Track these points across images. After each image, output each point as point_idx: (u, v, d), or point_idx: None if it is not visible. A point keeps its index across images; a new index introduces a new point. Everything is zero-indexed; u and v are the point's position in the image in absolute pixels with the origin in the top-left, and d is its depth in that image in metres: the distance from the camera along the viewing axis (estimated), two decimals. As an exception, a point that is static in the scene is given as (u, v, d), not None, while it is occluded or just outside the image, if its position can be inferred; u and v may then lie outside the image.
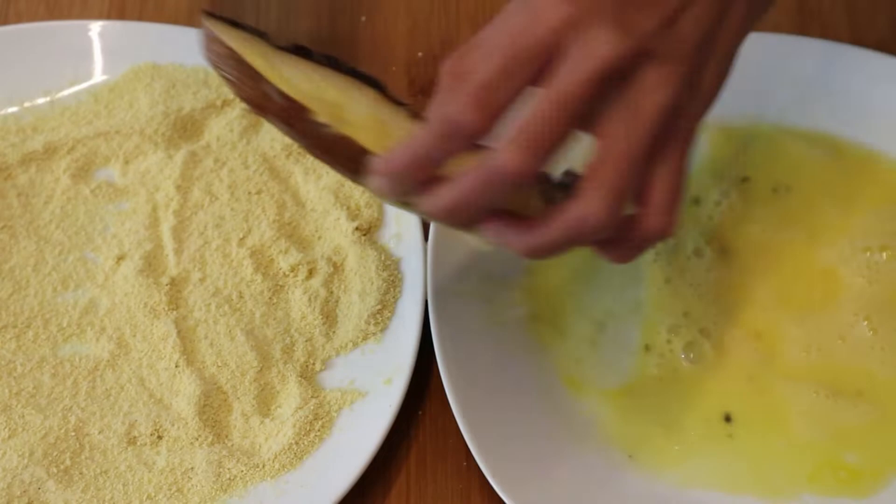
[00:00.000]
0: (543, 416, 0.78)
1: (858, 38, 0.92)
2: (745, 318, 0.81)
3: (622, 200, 0.62)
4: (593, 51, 0.60)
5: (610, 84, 0.61)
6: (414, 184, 0.63)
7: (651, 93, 0.62)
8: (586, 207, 0.62)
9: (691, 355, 0.80)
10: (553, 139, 0.60)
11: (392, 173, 0.63)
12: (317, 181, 0.85)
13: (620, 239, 0.65)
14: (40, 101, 0.88)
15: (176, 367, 0.78)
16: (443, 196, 0.63)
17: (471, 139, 0.61)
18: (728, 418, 0.78)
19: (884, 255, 0.82)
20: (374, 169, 0.63)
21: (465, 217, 0.63)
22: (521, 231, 0.64)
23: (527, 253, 0.64)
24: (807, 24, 0.93)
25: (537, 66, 0.61)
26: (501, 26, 0.62)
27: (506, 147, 0.60)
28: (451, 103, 0.61)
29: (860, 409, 0.78)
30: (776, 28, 0.91)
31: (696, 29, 0.63)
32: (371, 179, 0.64)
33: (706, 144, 0.87)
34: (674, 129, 0.63)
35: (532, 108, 0.61)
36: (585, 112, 0.61)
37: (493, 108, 0.60)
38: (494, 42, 0.61)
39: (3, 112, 0.87)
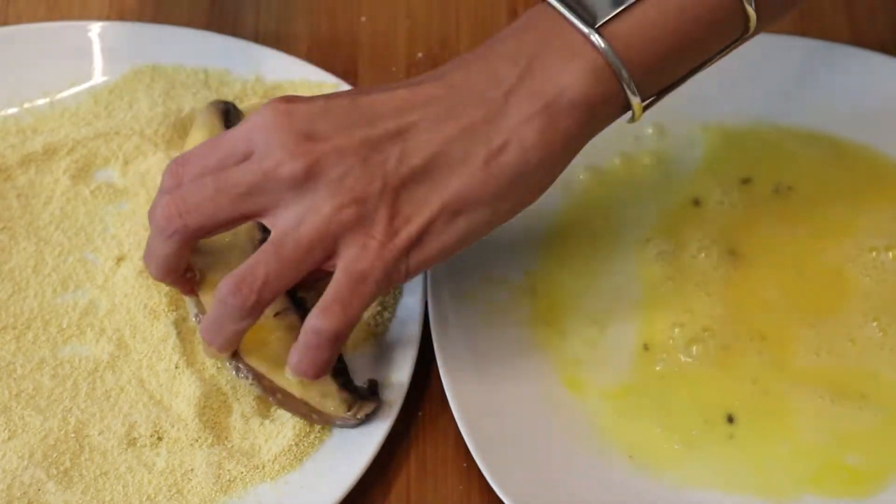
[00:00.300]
0: (543, 417, 0.78)
1: (858, 39, 0.92)
2: (749, 318, 0.81)
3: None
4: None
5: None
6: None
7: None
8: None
9: (693, 354, 0.80)
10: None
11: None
12: (317, 181, 0.85)
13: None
14: (40, 101, 0.87)
15: (176, 368, 0.78)
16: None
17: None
18: (731, 419, 0.78)
19: (890, 254, 0.82)
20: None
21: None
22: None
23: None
24: (807, 24, 0.93)
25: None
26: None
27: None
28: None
29: (865, 412, 0.78)
30: (776, 29, 0.91)
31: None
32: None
33: (706, 145, 0.87)
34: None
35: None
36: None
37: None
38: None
39: (2, 113, 0.87)
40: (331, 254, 0.71)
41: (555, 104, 0.70)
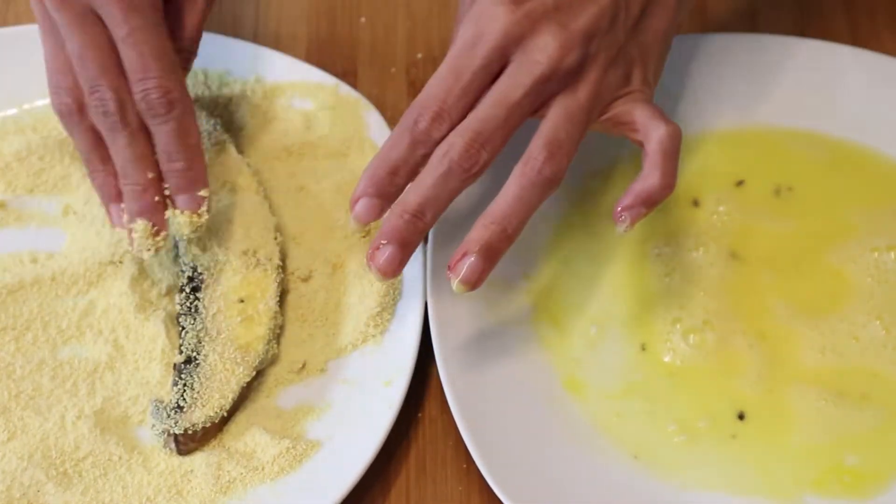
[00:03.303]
0: (544, 418, 0.78)
1: (858, 39, 0.92)
2: (751, 318, 0.81)
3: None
4: (534, 59, 0.73)
5: (552, 82, 0.73)
6: (391, 191, 0.73)
7: (586, 82, 0.74)
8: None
9: (693, 354, 0.80)
10: (494, 136, 0.73)
11: (371, 179, 0.73)
12: (317, 182, 0.85)
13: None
14: (40, 102, 0.87)
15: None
16: (414, 191, 0.73)
17: (433, 144, 0.73)
18: (741, 416, 0.78)
19: (891, 254, 0.82)
20: (357, 193, 0.74)
21: (432, 213, 0.73)
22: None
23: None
24: (807, 25, 0.93)
25: (488, 80, 0.73)
26: (454, 50, 0.74)
27: (454, 139, 0.73)
28: (411, 116, 0.73)
29: (866, 413, 0.78)
30: (776, 29, 0.91)
31: (625, 26, 0.75)
32: (355, 209, 0.74)
33: (706, 146, 0.87)
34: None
35: (479, 109, 0.73)
36: (529, 109, 0.73)
37: (451, 118, 0.73)
38: (447, 66, 0.74)
39: (2, 114, 0.87)
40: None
41: None
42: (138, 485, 0.75)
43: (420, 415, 0.80)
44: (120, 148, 0.76)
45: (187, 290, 0.79)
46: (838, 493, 0.76)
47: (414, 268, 0.81)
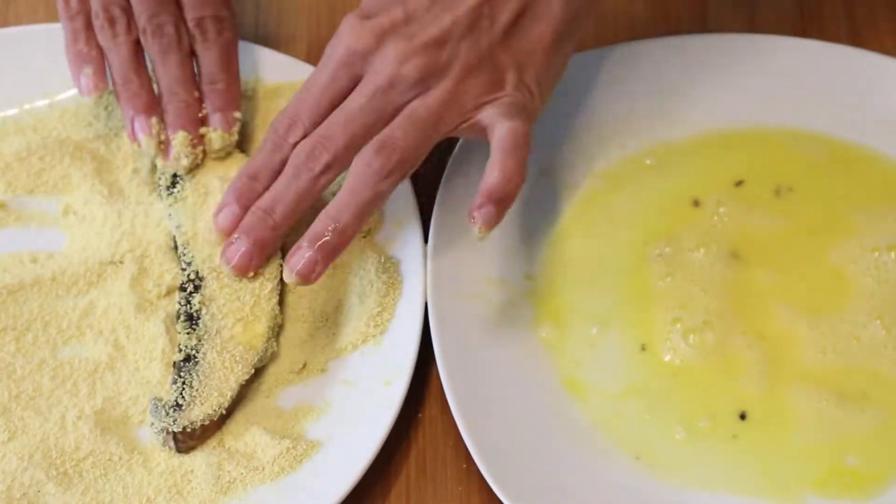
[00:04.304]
0: (544, 419, 0.78)
1: (858, 39, 0.92)
2: (751, 318, 0.81)
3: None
4: (374, 70, 0.78)
5: (395, 91, 0.77)
6: (251, 197, 0.78)
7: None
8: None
9: (694, 355, 0.80)
10: (336, 140, 0.77)
11: (234, 188, 0.79)
12: (317, 182, 0.85)
13: None
14: (40, 102, 0.87)
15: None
16: (268, 192, 0.78)
17: (289, 149, 0.78)
18: (743, 416, 0.78)
19: (892, 254, 0.82)
20: (220, 204, 0.80)
21: (282, 210, 0.78)
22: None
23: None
24: (806, 25, 0.93)
25: (339, 94, 0.78)
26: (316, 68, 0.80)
27: (302, 144, 0.78)
28: (272, 126, 0.79)
29: (867, 413, 0.78)
30: (776, 30, 0.91)
31: (490, 33, 0.78)
32: (217, 219, 0.79)
33: (706, 146, 0.87)
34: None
35: (328, 118, 0.78)
36: (373, 117, 0.77)
37: (304, 126, 0.78)
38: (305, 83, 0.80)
39: (2, 114, 0.87)
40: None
41: None
42: (138, 485, 0.75)
43: (420, 415, 0.80)
44: (171, 66, 0.83)
45: (188, 289, 0.79)
46: (839, 493, 0.76)
47: (414, 268, 0.81)
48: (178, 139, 0.82)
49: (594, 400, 0.79)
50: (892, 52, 0.90)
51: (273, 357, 0.79)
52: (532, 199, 0.84)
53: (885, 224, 0.84)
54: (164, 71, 0.83)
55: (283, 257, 0.78)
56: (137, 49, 0.83)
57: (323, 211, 0.77)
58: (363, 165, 0.76)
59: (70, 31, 0.83)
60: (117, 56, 0.83)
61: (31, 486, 0.75)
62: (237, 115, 0.83)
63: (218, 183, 0.83)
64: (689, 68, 0.88)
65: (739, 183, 0.85)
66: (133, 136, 0.82)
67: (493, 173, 0.75)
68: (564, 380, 0.79)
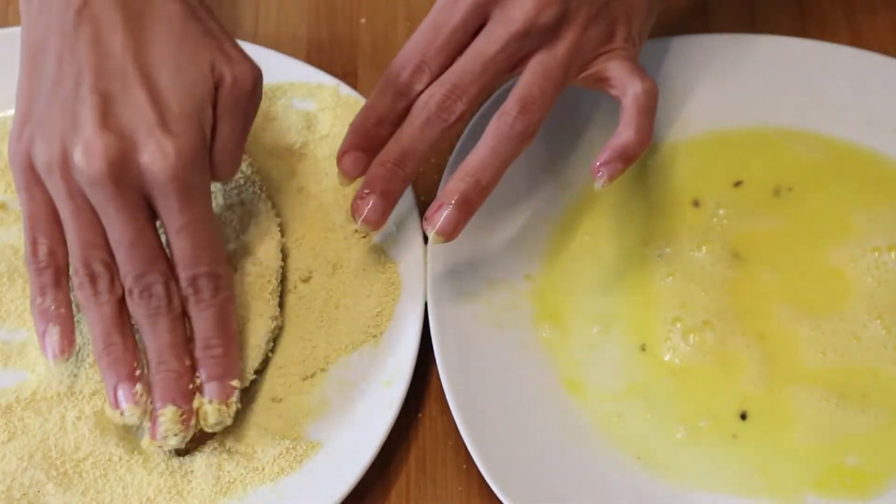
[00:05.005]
0: (544, 419, 0.78)
1: (858, 39, 0.92)
2: (751, 318, 0.81)
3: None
4: (510, 16, 0.76)
5: (529, 38, 0.76)
6: (375, 143, 0.77)
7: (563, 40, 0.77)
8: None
9: (694, 355, 0.80)
10: (470, 88, 0.76)
11: (357, 133, 0.77)
12: (318, 182, 0.85)
13: None
14: (40, 103, 0.87)
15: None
16: (394, 141, 0.76)
17: (414, 95, 0.77)
18: (744, 416, 0.78)
19: (892, 254, 0.82)
20: (343, 148, 0.78)
21: (412, 162, 0.76)
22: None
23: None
24: (807, 25, 0.93)
25: (467, 36, 0.77)
26: (436, 7, 0.78)
27: (432, 90, 0.76)
28: (394, 69, 0.77)
29: (867, 413, 0.78)
30: (776, 30, 0.91)
31: None
32: (342, 163, 0.78)
33: (706, 146, 0.87)
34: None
35: (458, 63, 0.76)
36: (505, 64, 0.76)
37: (430, 70, 0.77)
38: (427, 22, 0.78)
39: (2, 114, 0.87)
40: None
41: None
42: (138, 485, 0.75)
43: (420, 415, 0.80)
44: (161, 332, 0.74)
45: None
46: (839, 493, 0.76)
47: (414, 268, 0.81)
48: (167, 415, 0.74)
49: (594, 400, 0.79)
50: (892, 52, 0.90)
51: (273, 357, 0.79)
52: (532, 198, 0.84)
53: (885, 224, 0.84)
54: (153, 337, 0.74)
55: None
56: (122, 308, 0.74)
57: (462, 169, 0.75)
58: (506, 127, 0.75)
59: (37, 285, 0.75)
60: (98, 315, 0.74)
61: (31, 487, 0.75)
62: (235, 383, 0.75)
63: (219, 184, 0.83)
64: (689, 68, 0.89)
65: (739, 183, 0.85)
66: (116, 405, 0.74)
67: (627, 131, 0.76)
68: (564, 380, 0.79)
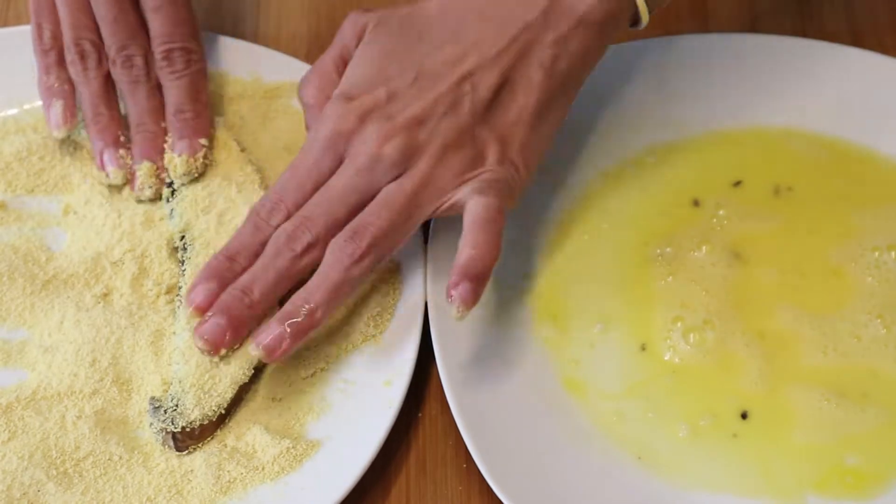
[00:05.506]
0: (544, 418, 0.78)
1: (858, 39, 0.92)
2: (751, 318, 0.81)
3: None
4: (356, 151, 0.77)
5: (376, 172, 0.77)
6: (228, 276, 0.77)
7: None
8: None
9: (694, 354, 0.80)
10: (317, 220, 0.77)
11: (210, 267, 0.77)
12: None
13: None
14: (40, 103, 0.87)
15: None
16: (248, 271, 0.77)
17: (271, 230, 0.77)
18: (744, 415, 0.78)
19: (892, 254, 0.82)
20: (194, 282, 0.78)
21: (260, 289, 0.76)
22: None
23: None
24: (807, 25, 0.93)
25: (323, 174, 0.78)
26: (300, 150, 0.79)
27: (285, 224, 0.77)
28: (255, 207, 0.79)
29: (867, 413, 0.78)
30: (776, 30, 0.91)
31: (473, 109, 0.77)
32: (190, 297, 0.77)
33: (706, 146, 0.87)
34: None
35: (311, 199, 0.77)
36: (355, 198, 0.77)
37: (287, 208, 0.78)
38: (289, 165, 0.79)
39: (2, 114, 0.87)
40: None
41: (586, 18, 0.78)
42: (138, 485, 0.75)
43: (420, 415, 0.80)
44: (140, 98, 0.84)
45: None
46: (840, 493, 0.76)
47: (414, 268, 0.81)
48: (143, 169, 0.83)
49: (594, 400, 0.79)
50: (892, 52, 0.90)
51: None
52: (532, 198, 0.84)
53: (886, 224, 0.84)
54: (133, 102, 0.84)
55: None
56: (108, 83, 0.85)
57: (297, 292, 0.76)
58: (336, 250, 0.75)
59: (42, 65, 0.85)
60: (88, 90, 0.84)
61: (31, 486, 0.75)
62: (203, 141, 0.83)
63: (220, 182, 0.83)
64: (689, 68, 0.88)
65: (739, 183, 0.85)
66: (102, 167, 0.84)
67: (465, 250, 0.75)
68: (564, 379, 0.79)
